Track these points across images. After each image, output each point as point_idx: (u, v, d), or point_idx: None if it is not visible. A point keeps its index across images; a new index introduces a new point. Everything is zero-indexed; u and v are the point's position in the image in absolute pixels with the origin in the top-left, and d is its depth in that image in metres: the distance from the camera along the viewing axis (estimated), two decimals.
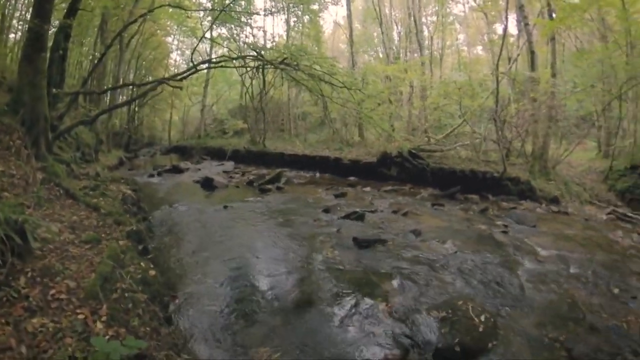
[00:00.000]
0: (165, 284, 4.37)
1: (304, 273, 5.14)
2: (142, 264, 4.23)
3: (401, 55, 22.99)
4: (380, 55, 26.18)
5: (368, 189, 12.09)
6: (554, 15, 14.20)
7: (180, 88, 13.60)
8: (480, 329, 3.77)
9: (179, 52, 30.18)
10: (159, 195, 9.95)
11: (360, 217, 7.94)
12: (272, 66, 12.28)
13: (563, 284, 5.28)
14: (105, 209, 5.62)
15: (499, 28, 24.45)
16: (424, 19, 25.45)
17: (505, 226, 8.13)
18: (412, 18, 21.24)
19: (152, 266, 4.38)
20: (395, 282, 4.95)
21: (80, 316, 2.83)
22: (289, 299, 4.42)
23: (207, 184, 11.19)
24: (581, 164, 14.45)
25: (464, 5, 27.92)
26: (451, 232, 7.33)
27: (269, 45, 17.81)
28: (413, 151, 13.52)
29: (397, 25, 25.57)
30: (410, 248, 6.27)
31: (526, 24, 14.01)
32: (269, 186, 11.45)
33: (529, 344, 3.80)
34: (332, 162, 15.74)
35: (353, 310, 4.21)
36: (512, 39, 20.60)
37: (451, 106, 16.04)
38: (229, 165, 17.02)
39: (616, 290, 5.17)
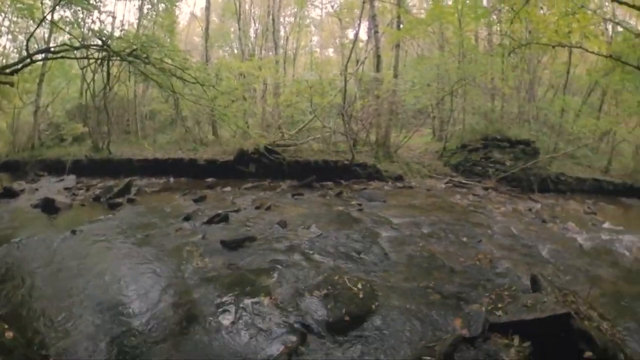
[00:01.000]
0: (29, 345, 3.40)
1: (179, 289, 4.56)
2: None
3: (256, 52, 22.78)
4: (236, 52, 25.33)
5: (228, 188, 11.57)
6: (401, 26, 16.42)
7: (12, 84, 10.73)
8: (361, 296, 4.01)
9: (9, 36, 23.64)
10: None
11: (224, 219, 7.48)
12: (120, 58, 10.80)
13: (419, 242, 5.99)
14: None
15: (350, 33, 26.91)
16: (282, 19, 26.08)
17: (360, 204, 8.86)
18: (271, 17, 21.40)
19: (7, 326, 3.38)
20: (272, 275, 4.81)
21: None
22: (171, 321, 3.87)
23: (48, 207, 9.15)
24: (419, 147, 17.12)
25: (321, 9, 29.62)
26: (314, 217, 7.62)
27: (117, 33, 15.33)
28: (269, 147, 13.62)
29: (255, 23, 25.34)
30: (279, 239, 6.22)
31: (376, 32, 15.44)
32: (119, 199, 9.92)
33: (406, 296, 4.18)
34: (186, 164, 14.58)
35: (240, 313, 3.93)
36: (361, 44, 22.29)
37: (303, 103, 16.57)
38: (71, 179, 14.15)
39: (464, 239, 6.15)
